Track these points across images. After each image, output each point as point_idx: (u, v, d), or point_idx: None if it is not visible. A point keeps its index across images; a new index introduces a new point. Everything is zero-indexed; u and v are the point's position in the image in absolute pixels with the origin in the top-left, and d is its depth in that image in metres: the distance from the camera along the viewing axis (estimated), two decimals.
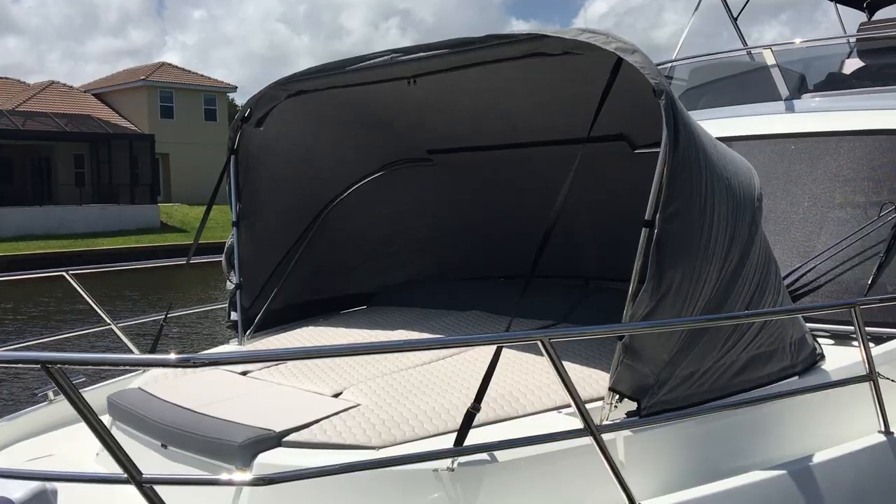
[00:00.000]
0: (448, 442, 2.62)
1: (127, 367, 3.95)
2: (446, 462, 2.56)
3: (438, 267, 5.37)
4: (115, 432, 3.33)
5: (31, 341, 4.27)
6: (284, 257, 4.65)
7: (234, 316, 4.52)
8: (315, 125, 4.55)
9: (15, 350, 2.00)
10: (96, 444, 3.44)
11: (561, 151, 4.37)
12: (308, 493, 2.63)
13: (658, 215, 2.67)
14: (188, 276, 20.87)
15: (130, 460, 2.02)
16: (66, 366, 1.94)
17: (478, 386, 2.73)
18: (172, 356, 1.93)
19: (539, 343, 2.34)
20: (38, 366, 1.91)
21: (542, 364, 3.36)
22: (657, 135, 2.80)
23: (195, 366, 1.89)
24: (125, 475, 2.03)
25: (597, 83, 3.16)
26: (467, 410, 2.64)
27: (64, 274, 4.17)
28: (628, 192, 4.04)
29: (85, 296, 4.15)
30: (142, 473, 2.04)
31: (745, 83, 5.72)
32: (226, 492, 2.72)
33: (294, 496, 2.63)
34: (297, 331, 4.32)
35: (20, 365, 2.01)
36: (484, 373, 2.73)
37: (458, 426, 2.67)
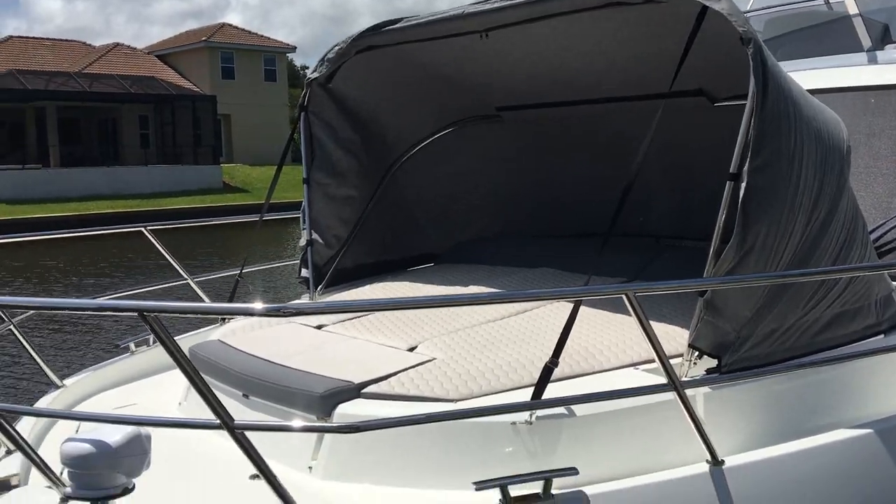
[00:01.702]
0: (525, 396, 2.63)
1: (210, 319, 4.07)
2: (525, 415, 2.56)
3: (506, 225, 5.34)
4: None
5: (119, 293, 4.39)
6: (356, 215, 4.68)
7: (304, 273, 4.58)
8: (384, 82, 4.54)
9: (111, 300, 2.06)
10: (178, 393, 3.56)
11: (633, 107, 4.29)
12: (386, 445, 2.67)
13: (744, 168, 2.61)
14: (256, 235, 21.25)
15: (223, 407, 2.07)
16: (162, 314, 1.99)
17: (553, 341, 2.72)
18: (264, 305, 1.96)
19: (624, 297, 2.31)
20: (136, 314, 1.96)
21: (616, 321, 3.34)
22: (738, 88, 2.72)
23: (285, 315, 1.93)
24: (217, 421, 2.09)
25: (672, 37, 3.08)
26: (545, 365, 2.64)
27: (142, 230, 4.27)
28: (704, 148, 3.95)
29: (163, 251, 4.24)
30: (234, 420, 2.09)
31: (824, 34, 5.51)
32: (304, 441, 2.78)
33: (372, 447, 2.68)
34: (367, 287, 4.36)
35: (117, 313, 2.05)
36: (559, 328, 2.72)
37: (534, 381, 2.67)
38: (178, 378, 3.76)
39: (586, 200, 4.99)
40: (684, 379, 2.67)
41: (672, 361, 2.72)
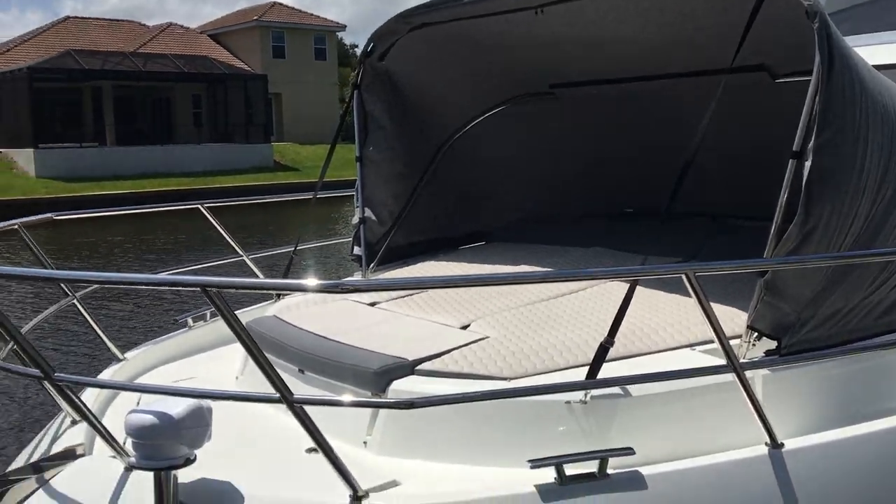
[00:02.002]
0: (579, 376, 2.62)
1: (266, 295, 4.12)
2: (580, 395, 2.56)
3: (558, 204, 5.30)
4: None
5: (178, 269, 4.47)
6: (408, 193, 4.69)
7: (357, 250, 4.62)
8: (436, 59, 4.53)
9: (172, 275, 2.10)
10: (234, 367, 3.62)
11: (693, 84, 4.21)
12: (440, 421, 2.69)
13: (808, 146, 2.54)
14: (309, 213, 21.53)
15: (282, 381, 2.10)
16: (224, 289, 2.03)
17: (608, 321, 2.70)
18: (322, 282, 1.98)
19: (683, 276, 2.28)
20: (198, 289, 2.00)
21: (672, 301, 3.30)
22: (801, 64, 2.65)
23: (342, 291, 1.94)
24: (276, 395, 2.12)
25: (734, 11, 3.01)
26: (600, 344, 2.62)
27: (199, 207, 4.33)
28: (765, 125, 3.86)
29: (219, 228, 4.31)
30: (293, 394, 2.13)
31: (891, 6, 5.33)
32: (359, 416, 2.81)
33: (426, 423, 2.70)
34: (419, 265, 4.38)
35: (178, 288, 2.10)
36: (613, 308, 2.70)
37: (589, 360, 2.66)
38: (234, 353, 3.83)
39: (641, 179, 4.93)
40: (743, 360, 2.63)
41: (731, 342, 2.69)
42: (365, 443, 2.78)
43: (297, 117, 43.13)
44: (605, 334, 2.67)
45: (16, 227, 3.25)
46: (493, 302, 3.49)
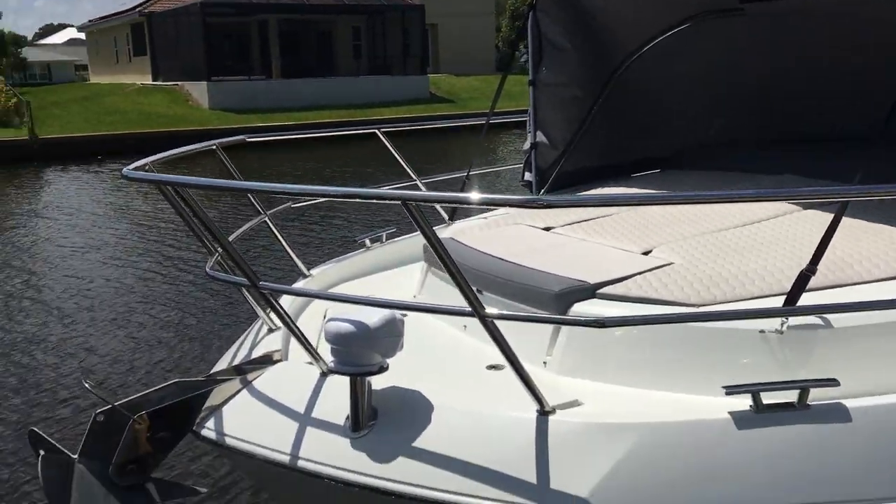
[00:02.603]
0: (773, 305, 2.51)
1: (439, 218, 4.18)
2: (776, 324, 2.45)
3: (741, 128, 5.02)
4: (431, 277, 3.57)
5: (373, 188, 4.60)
6: (581, 118, 4.59)
7: (528, 176, 4.59)
8: None
9: (376, 189, 2.16)
10: (411, 286, 3.72)
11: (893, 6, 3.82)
12: (623, 344, 2.66)
13: None
14: (465, 144, 21.84)
15: (476, 296, 2.13)
16: (423, 203, 2.06)
17: (801, 249, 2.56)
18: (521, 196, 1.98)
19: None
20: (399, 202, 2.04)
21: (875, 231, 3.08)
22: None
23: (546, 206, 1.92)
24: (468, 309, 2.16)
25: None
26: (801, 272, 2.48)
27: (376, 131, 4.43)
28: None
29: (394, 152, 4.39)
30: (484, 308, 2.15)
31: None
32: (540, 336, 2.82)
33: (607, 346, 2.68)
34: (593, 192, 4.30)
35: (383, 201, 2.15)
36: (806, 236, 2.54)
37: (784, 290, 2.53)
38: (410, 273, 3.94)
39: (837, 102, 4.57)
40: None
41: None
42: (545, 363, 2.80)
43: (453, 48, 43.11)
44: (803, 263, 2.52)
45: (213, 147, 3.44)
46: (674, 229, 3.38)
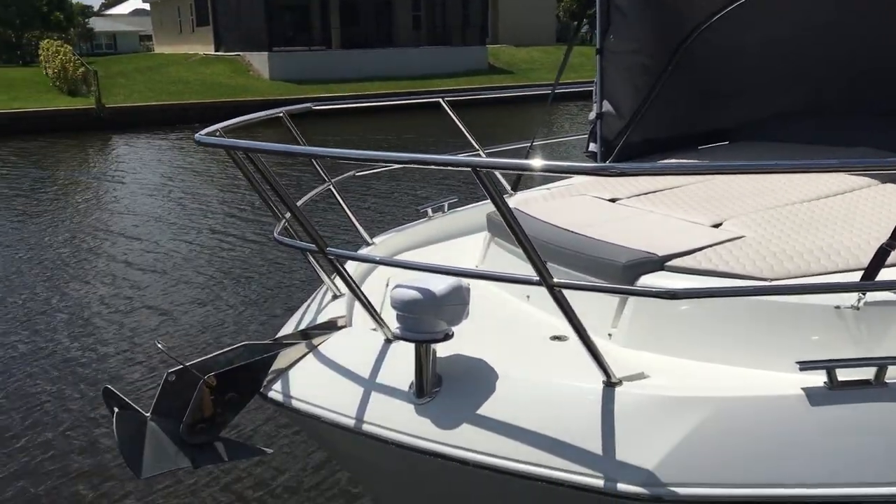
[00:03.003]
0: (849, 280, 2.43)
1: (548, 175, 4.10)
2: (852, 299, 2.37)
3: (816, 99, 4.84)
4: (493, 247, 3.55)
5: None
6: (648, 88, 4.49)
7: (592, 147, 4.53)
8: None
9: (444, 156, 2.15)
10: (474, 256, 3.72)
11: None
12: (689, 318, 2.61)
13: None
14: (525, 116, 21.69)
15: (544, 265, 2.11)
16: (492, 170, 2.05)
17: (880, 225, 2.46)
18: (592, 164, 1.95)
19: None
20: (468, 169, 2.03)
21: None
22: None
23: (619, 174, 1.89)
24: (536, 278, 2.14)
25: None
26: (880, 247, 2.39)
27: (439, 100, 4.41)
28: None
29: (457, 122, 4.36)
30: (553, 278, 2.13)
31: None
32: (605, 308, 2.79)
33: (674, 319, 2.63)
34: (660, 163, 4.21)
35: (453, 168, 2.13)
36: (885, 212, 2.44)
37: (860, 265, 2.45)
38: (472, 242, 3.93)
39: None
40: None
41: None
42: (609, 335, 2.77)
43: (513, 19, 42.68)
44: (881, 238, 2.44)
45: (280, 114, 3.46)
46: (745, 202, 3.30)
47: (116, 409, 2.46)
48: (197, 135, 2.58)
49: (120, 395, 2.48)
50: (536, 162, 2.01)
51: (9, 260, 9.94)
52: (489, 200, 2.09)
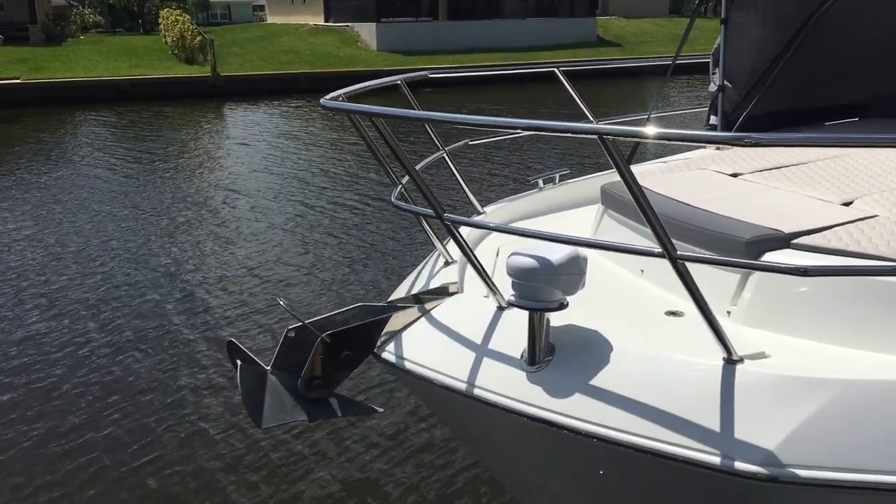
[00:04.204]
0: None
1: (671, 145, 4.04)
2: None
3: None
4: (607, 220, 3.50)
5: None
6: (773, 60, 4.31)
7: (713, 119, 4.39)
8: None
9: (567, 123, 2.12)
10: (587, 229, 3.67)
11: None
12: (813, 298, 2.51)
13: None
14: (638, 88, 21.26)
15: (668, 236, 2.07)
16: (618, 137, 2.01)
17: None
18: (726, 133, 1.89)
19: None
20: (594, 136, 2.00)
21: None
22: None
23: (755, 145, 1.82)
24: (658, 249, 2.10)
25: None
26: None
27: (555, 70, 4.35)
28: None
29: (573, 93, 4.30)
30: (677, 250, 2.09)
31: None
32: (724, 285, 2.72)
33: (797, 298, 2.54)
34: (798, 135, 4.04)
35: (577, 135, 2.11)
36: None
37: None
38: (585, 214, 3.89)
39: None
40: None
41: None
42: (728, 312, 2.69)
43: None
44: None
45: (398, 82, 3.49)
46: (878, 181, 3.14)
47: (240, 362, 2.56)
48: (323, 99, 2.64)
49: (243, 348, 2.58)
50: (664, 130, 1.96)
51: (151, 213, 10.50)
52: (601, 173, 2.06)
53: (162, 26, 33.45)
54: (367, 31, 33.97)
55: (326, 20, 39.10)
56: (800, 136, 1.82)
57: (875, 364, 2.29)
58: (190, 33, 29.85)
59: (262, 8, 58.54)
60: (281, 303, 2.67)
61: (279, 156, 15.15)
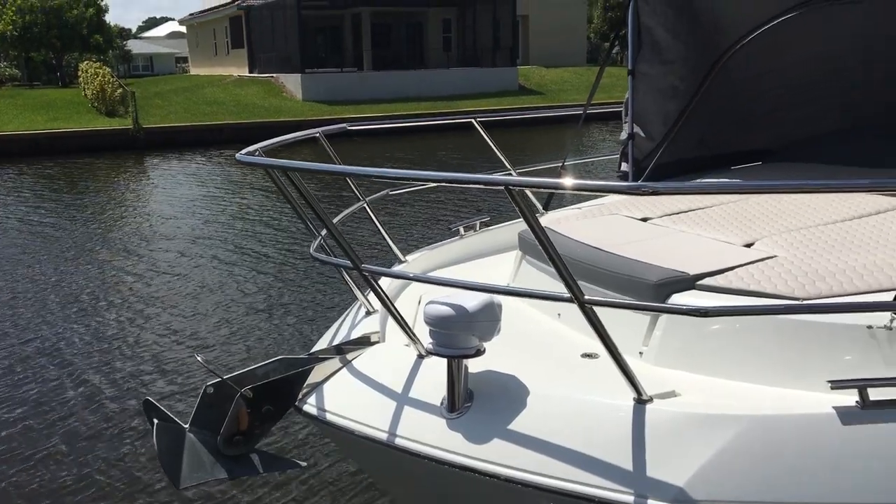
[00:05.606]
0: (883, 301, 2.43)
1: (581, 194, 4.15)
2: (885, 319, 2.37)
3: (854, 120, 4.82)
4: (525, 265, 3.59)
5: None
6: (680, 109, 4.51)
7: (624, 167, 4.55)
8: None
9: (477, 175, 2.18)
10: (505, 274, 3.75)
11: None
12: (719, 337, 2.62)
13: None
14: (555, 136, 21.72)
15: (576, 282, 2.14)
16: (524, 188, 2.09)
17: None
18: (625, 183, 1.98)
19: None
20: (501, 188, 2.07)
21: None
22: None
23: (652, 193, 1.92)
24: (567, 294, 2.17)
25: None
26: None
27: (472, 121, 4.47)
28: None
29: (490, 142, 4.42)
30: (584, 295, 2.16)
31: None
32: (635, 326, 2.81)
33: (704, 338, 2.65)
34: (693, 182, 4.22)
35: (485, 186, 2.18)
36: None
37: (894, 285, 2.46)
38: (503, 261, 3.97)
39: None
40: None
41: None
42: (640, 353, 2.78)
43: (543, 40, 42.88)
44: None
45: (317, 135, 3.54)
46: (777, 222, 3.30)
47: (156, 421, 2.52)
48: (238, 154, 2.66)
49: (160, 406, 2.54)
50: (569, 180, 2.05)
51: (49, 270, 10.17)
52: (521, 219, 2.13)
53: (81, 79, 32.88)
54: (292, 82, 34.04)
55: (251, 71, 39.07)
56: (695, 184, 1.92)
57: (779, 398, 2.39)
58: (110, 86, 29.41)
59: (185, 60, 58.17)
60: (199, 358, 2.64)
61: (199, 206, 14.95)
